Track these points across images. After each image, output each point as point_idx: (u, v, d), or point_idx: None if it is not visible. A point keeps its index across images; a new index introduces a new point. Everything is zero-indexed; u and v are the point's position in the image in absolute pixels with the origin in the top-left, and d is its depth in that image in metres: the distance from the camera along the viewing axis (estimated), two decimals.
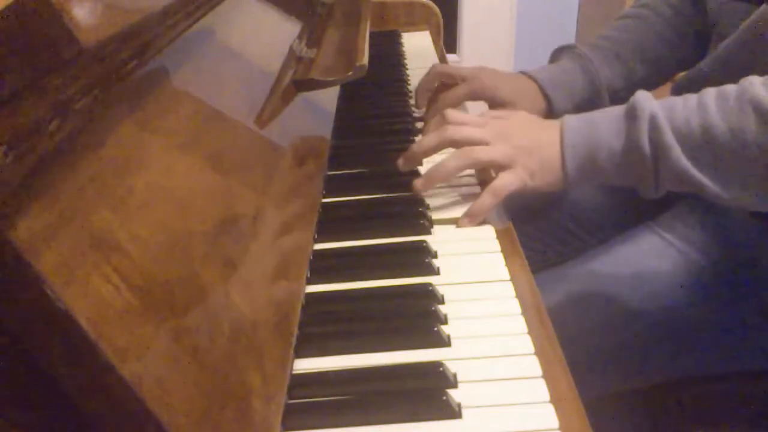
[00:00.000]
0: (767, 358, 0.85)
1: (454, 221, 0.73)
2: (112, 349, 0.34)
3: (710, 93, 0.69)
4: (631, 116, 0.70)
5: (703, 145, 0.68)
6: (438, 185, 0.78)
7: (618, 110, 0.73)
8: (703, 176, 0.68)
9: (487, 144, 0.74)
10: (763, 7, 0.79)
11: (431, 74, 0.98)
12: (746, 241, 0.85)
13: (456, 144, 0.75)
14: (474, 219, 0.72)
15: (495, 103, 0.93)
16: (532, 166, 0.73)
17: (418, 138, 0.91)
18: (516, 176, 0.72)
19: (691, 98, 0.70)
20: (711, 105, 0.68)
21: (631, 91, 1.01)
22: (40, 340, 0.33)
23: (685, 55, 1.00)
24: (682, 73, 0.97)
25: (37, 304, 0.33)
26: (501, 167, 0.73)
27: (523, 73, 0.97)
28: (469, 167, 0.76)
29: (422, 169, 0.80)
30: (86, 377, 0.35)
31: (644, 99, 0.71)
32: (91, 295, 0.35)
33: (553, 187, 0.74)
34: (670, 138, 0.68)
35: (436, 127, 0.78)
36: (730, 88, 0.69)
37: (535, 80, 0.95)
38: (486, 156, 0.73)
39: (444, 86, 0.96)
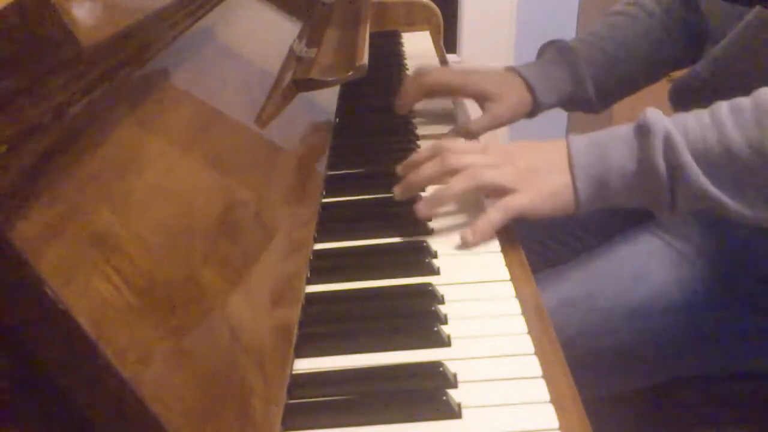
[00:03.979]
0: (767, 358, 0.85)
1: (455, 221, 0.73)
2: (112, 349, 0.34)
3: (723, 107, 0.66)
4: (644, 135, 0.67)
5: (722, 162, 0.64)
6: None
7: (627, 129, 0.69)
8: (723, 195, 0.65)
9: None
10: (757, 8, 0.79)
11: (415, 85, 0.93)
12: (745, 242, 0.85)
13: (458, 173, 0.71)
14: (481, 236, 0.69)
15: (482, 97, 0.93)
16: (541, 190, 0.69)
17: (418, 148, 0.89)
18: (526, 197, 0.69)
19: (703, 113, 0.67)
20: (726, 120, 0.65)
21: (615, 85, 1.00)
22: (40, 340, 0.33)
23: (675, 54, 0.99)
24: (679, 75, 0.97)
25: (37, 304, 0.33)
26: (508, 191, 0.70)
27: (508, 68, 0.97)
28: (475, 190, 0.71)
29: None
30: (86, 377, 0.35)
31: (656, 117, 0.67)
32: (91, 295, 0.35)
33: (563, 213, 0.71)
34: (687, 156, 0.65)
35: (433, 153, 0.73)
36: (743, 101, 0.66)
37: (519, 75, 0.95)
38: (493, 178, 0.69)
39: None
